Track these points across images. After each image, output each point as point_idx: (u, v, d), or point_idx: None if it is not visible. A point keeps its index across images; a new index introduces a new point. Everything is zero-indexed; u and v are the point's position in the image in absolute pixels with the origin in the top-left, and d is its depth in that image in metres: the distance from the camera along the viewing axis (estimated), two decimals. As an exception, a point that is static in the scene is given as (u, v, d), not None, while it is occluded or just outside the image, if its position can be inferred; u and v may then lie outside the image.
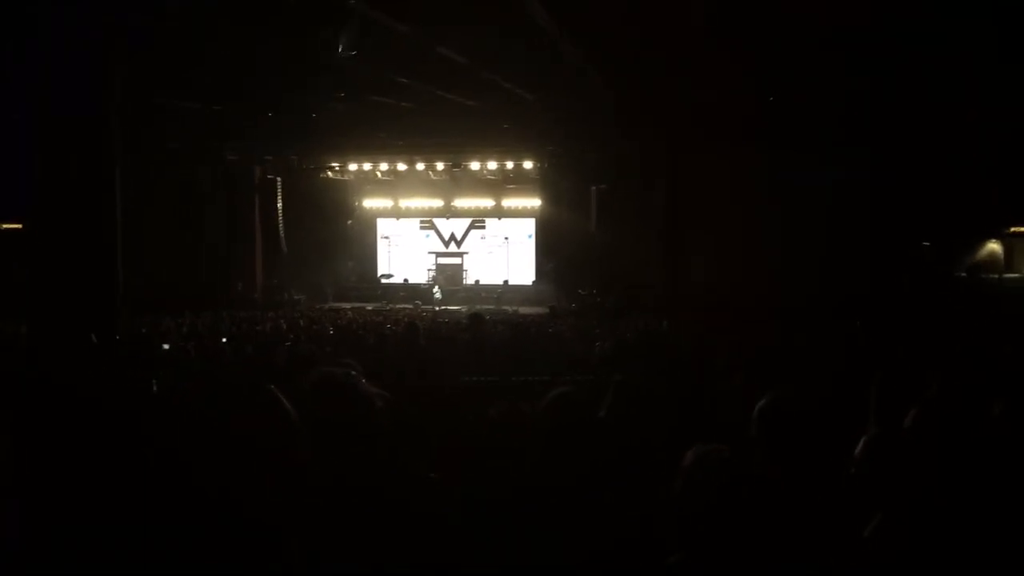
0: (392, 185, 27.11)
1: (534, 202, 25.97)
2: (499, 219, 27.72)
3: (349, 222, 27.83)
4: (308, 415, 2.22)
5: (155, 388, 4.36)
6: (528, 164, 23.35)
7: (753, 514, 1.94)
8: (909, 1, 11.36)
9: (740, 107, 16.74)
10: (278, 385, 2.21)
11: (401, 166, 24.31)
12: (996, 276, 19.65)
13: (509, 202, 27.27)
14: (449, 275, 27.21)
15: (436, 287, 25.35)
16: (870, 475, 2.55)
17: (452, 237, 28.23)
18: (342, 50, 13.06)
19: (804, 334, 9.63)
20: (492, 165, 23.55)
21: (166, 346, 8.98)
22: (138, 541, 1.94)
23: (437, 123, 19.53)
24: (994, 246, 20.48)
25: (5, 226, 22.69)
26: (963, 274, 19.18)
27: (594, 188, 21.88)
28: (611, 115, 17.89)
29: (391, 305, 23.46)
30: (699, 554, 1.97)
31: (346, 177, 26.40)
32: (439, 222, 28.24)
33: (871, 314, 12.35)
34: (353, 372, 2.74)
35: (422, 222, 28.42)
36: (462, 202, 27.65)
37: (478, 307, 20.44)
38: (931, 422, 2.78)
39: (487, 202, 27.46)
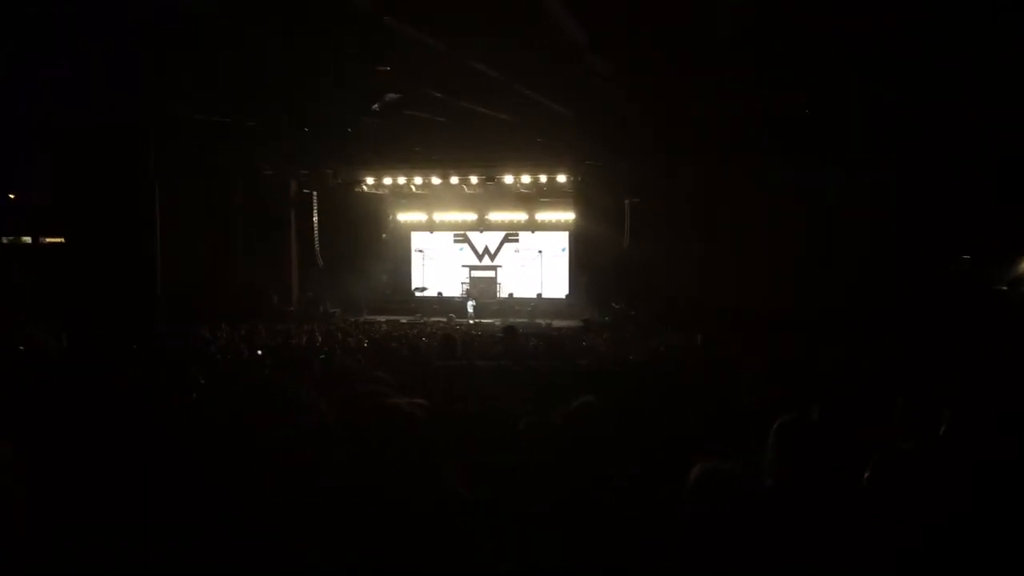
0: (426, 199, 27.27)
1: (568, 215, 25.99)
2: (532, 232, 27.77)
3: (384, 236, 28.04)
4: (344, 425, 2.25)
5: (197, 388, 4.44)
6: (562, 177, 23.39)
7: (757, 530, 1.95)
8: (944, 5, 11.26)
9: (770, 118, 16.67)
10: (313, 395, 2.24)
11: (435, 180, 24.46)
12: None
13: (543, 215, 27.32)
14: (482, 288, 27.28)
15: (471, 300, 25.42)
16: (897, 490, 2.53)
17: (486, 250, 28.32)
18: (377, 66, 13.21)
19: (837, 348, 9.55)
20: (526, 179, 23.63)
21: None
22: (175, 544, 1.99)
23: (471, 137, 19.65)
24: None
25: (48, 240, 23.15)
26: (1003, 288, 18.86)
27: (628, 201, 21.84)
28: (642, 128, 17.89)
29: (425, 318, 23.55)
30: (704, 568, 1.98)
31: (381, 191, 26.61)
32: (473, 235, 28.35)
33: (905, 328, 12.21)
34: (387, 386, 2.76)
35: (456, 235, 28.55)
36: (496, 215, 27.75)
37: (512, 320, 20.47)
38: (964, 437, 2.76)
39: (521, 215, 27.53)
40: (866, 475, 2.51)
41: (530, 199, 26.32)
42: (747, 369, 6.78)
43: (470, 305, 25.10)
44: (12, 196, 23.17)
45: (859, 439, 2.95)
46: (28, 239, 23.73)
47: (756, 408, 4.21)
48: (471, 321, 23.05)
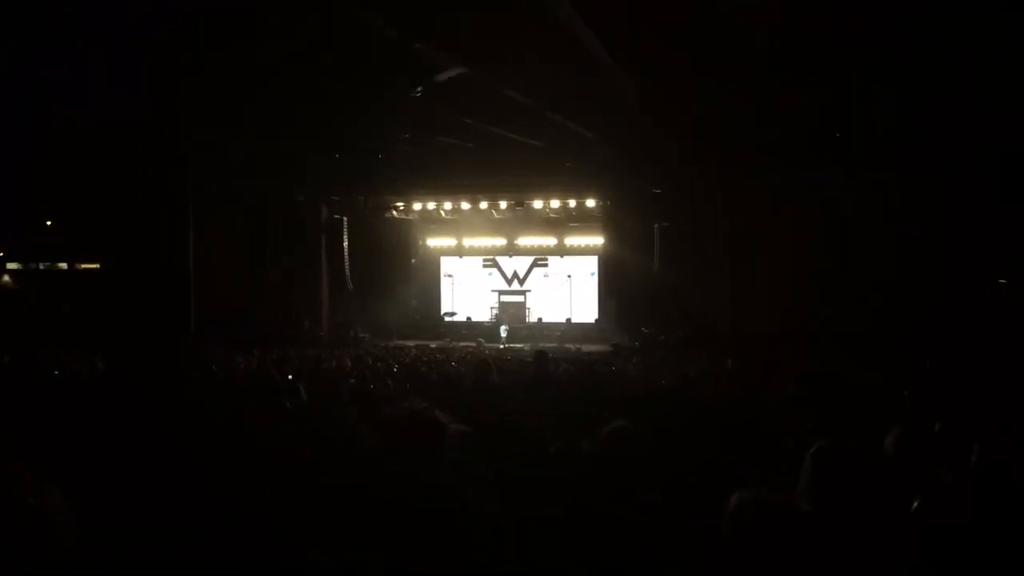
0: (456, 224, 27.41)
1: (597, 240, 25.98)
2: (561, 257, 27.78)
3: (413, 261, 28.19)
4: (389, 445, 2.24)
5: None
6: (591, 202, 23.44)
7: (797, 559, 1.92)
8: (980, 19, 11.17)
9: (800, 138, 16.61)
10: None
11: (465, 205, 24.58)
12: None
13: (572, 240, 27.34)
14: (512, 313, 27.29)
15: (504, 326, 25.42)
16: (943, 522, 2.47)
17: (515, 275, 28.35)
18: (408, 92, 13.34)
19: (872, 371, 9.43)
20: (555, 203, 23.69)
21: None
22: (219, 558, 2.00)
23: (500, 162, 19.76)
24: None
25: (84, 266, 23.52)
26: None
27: (657, 225, 21.80)
28: (672, 153, 17.90)
29: (454, 343, 23.58)
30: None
31: (410, 216, 26.78)
32: (502, 260, 28.41)
33: (941, 350, 12.04)
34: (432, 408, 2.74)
35: (485, 260, 28.62)
36: (525, 240, 27.81)
37: (541, 345, 20.43)
38: (994, 469, 2.71)
39: (550, 240, 27.56)
40: (914, 505, 2.46)
41: (559, 224, 26.38)
42: (779, 393, 6.72)
43: (503, 329, 25.10)
44: (48, 223, 23.61)
45: (901, 463, 2.91)
46: (64, 265, 24.14)
47: (789, 432, 4.17)
48: (501, 346, 23.04)
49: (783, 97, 14.36)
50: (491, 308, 27.81)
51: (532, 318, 27.36)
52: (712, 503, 2.31)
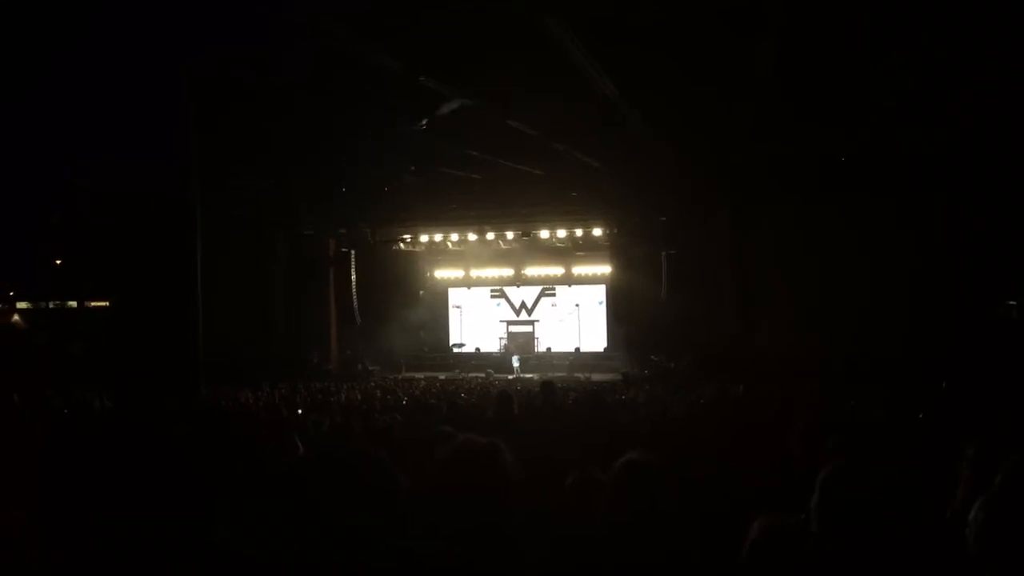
0: (463, 255, 27.46)
1: (604, 269, 25.98)
2: (569, 286, 27.78)
3: (421, 292, 28.19)
4: (440, 482, 2.16)
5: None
6: (598, 231, 23.47)
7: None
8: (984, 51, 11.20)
9: (809, 165, 16.64)
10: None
11: (471, 236, 24.65)
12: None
13: (579, 269, 27.34)
14: (520, 343, 27.25)
15: (515, 356, 25.38)
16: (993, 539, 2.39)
17: (523, 305, 28.34)
18: (415, 124, 13.43)
19: (885, 397, 9.37)
20: (562, 233, 23.74)
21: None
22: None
23: (506, 193, 19.83)
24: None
25: (93, 304, 23.60)
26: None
27: (664, 253, 21.79)
28: (679, 180, 17.93)
29: (463, 374, 23.53)
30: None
31: (417, 248, 26.85)
32: (510, 290, 28.41)
33: (955, 376, 11.94)
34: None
35: (493, 291, 28.63)
36: (532, 270, 27.81)
37: (550, 375, 20.37)
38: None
39: (557, 270, 27.58)
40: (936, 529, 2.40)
41: (566, 253, 26.41)
42: (786, 418, 6.67)
43: (515, 359, 25.07)
44: (59, 262, 23.73)
45: (915, 491, 2.86)
46: (74, 303, 24.23)
47: (801, 457, 4.12)
48: (510, 376, 22.97)
49: (790, 125, 14.41)
50: (500, 339, 27.77)
51: (541, 348, 27.30)
52: (732, 531, 2.27)
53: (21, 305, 24.57)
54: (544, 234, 23.93)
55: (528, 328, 28.01)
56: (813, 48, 11.24)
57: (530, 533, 2.35)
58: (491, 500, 2.15)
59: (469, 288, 28.85)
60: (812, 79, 12.29)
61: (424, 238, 25.55)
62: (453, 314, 28.95)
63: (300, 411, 10.93)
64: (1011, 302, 18.34)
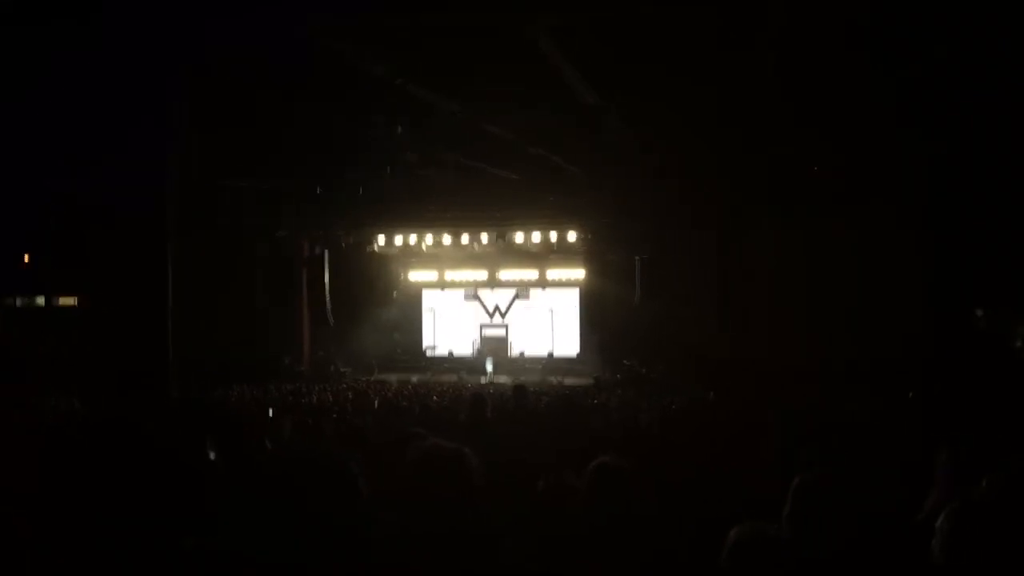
0: (437, 257, 27.37)
1: (578, 273, 26.02)
2: (543, 289, 27.77)
3: (395, 294, 28.07)
4: (408, 485, 2.17)
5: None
6: (572, 235, 23.51)
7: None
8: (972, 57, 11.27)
9: (795, 170, 16.74)
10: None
11: (446, 239, 24.60)
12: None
13: (553, 273, 27.33)
14: (494, 347, 27.20)
15: (489, 359, 25.37)
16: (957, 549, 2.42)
17: (496, 308, 28.31)
18: (390, 127, 13.40)
19: (855, 403, 9.47)
20: (536, 237, 23.76)
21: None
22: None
23: (482, 196, 19.83)
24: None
25: (62, 301, 23.31)
26: (1020, 344, 18.60)
27: (638, 258, 21.87)
28: (657, 184, 17.98)
29: (436, 377, 23.49)
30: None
31: (391, 250, 26.75)
32: (484, 293, 28.36)
33: (926, 383, 12.07)
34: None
35: (467, 293, 28.57)
36: (506, 274, 27.77)
37: (523, 378, 20.39)
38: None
39: (531, 273, 27.57)
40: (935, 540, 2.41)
41: (540, 257, 26.42)
42: (759, 424, 6.72)
43: (489, 362, 25.06)
44: (27, 257, 23.41)
45: (887, 497, 2.90)
46: (41, 300, 23.91)
47: (773, 464, 4.16)
48: (483, 380, 22.96)
49: (774, 132, 14.49)
50: (472, 342, 27.72)
51: (514, 351, 27.28)
52: (707, 538, 2.29)
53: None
54: (519, 238, 23.95)
55: (501, 332, 27.95)
56: (807, 53, 11.26)
57: (501, 536, 2.36)
58: (457, 504, 2.17)
59: (443, 290, 28.76)
60: (804, 85, 12.33)
61: (398, 240, 25.46)
62: (427, 316, 28.86)
63: (271, 412, 10.88)
64: (978, 312, 18.55)
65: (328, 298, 24.80)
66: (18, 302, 24.21)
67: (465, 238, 24.40)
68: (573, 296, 27.19)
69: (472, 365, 25.49)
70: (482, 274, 27.89)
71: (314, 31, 10.24)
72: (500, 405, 10.62)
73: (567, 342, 27.00)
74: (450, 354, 27.29)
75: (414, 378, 22.75)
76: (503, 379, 22.60)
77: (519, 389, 9.31)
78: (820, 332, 17.77)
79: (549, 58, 10.77)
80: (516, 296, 28.03)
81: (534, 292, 27.88)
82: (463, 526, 2.16)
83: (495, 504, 2.67)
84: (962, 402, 9.13)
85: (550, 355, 26.48)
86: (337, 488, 1.98)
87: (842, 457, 4.02)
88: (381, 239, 25.60)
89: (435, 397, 15.03)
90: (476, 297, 28.41)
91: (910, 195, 16.76)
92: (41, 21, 10.47)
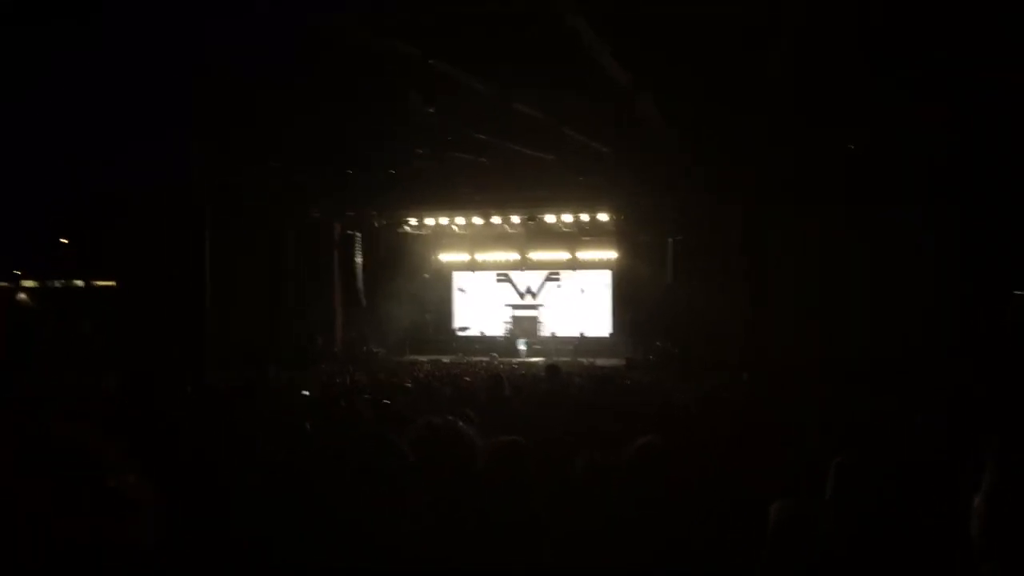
0: (468, 239, 27.46)
1: (610, 254, 25.94)
2: (575, 271, 27.74)
3: (426, 275, 28.18)
4: (415, 458, 2.20)
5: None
6: (603, 216, 23.43)
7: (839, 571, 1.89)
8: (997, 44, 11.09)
9: (820, 156, 16.54)
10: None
11: (477, 220, 24.62)
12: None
13: (584, 254, 27.29)
14: (525, 327, 27.24)
15: (521, 340, 25.42)
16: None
17: (528, 289, 28.32)
18: (423, 109, 13.39)
19: (895, 389, 9.36)
20: (568, 218, 23.70)
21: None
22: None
23: (513, 177, 19.76)
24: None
25: (100, 283, 23.63)
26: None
27: (671, 239, 21.73)
28: (687, 167, 17.84)
29: (467, 357, 23.55)
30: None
31: (423, 231, 26.85)
32: (515, 275, 28.39)
33: (964, 370, 11.91)
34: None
35: (498, 275, 28.61)
36: (538, 255, 27.78)
37: (555, 359, 20.39)
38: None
39: (563, 254, 27.54)
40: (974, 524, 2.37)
41: (572, 238, 26.38)
42: (796, 409, 6.67)
43: (521, 343, 25.12)
44: (65, 240, 23.76)
45: (928, 479, 2.86)
46: (80, 283, 24.27)
47: (813, 447, 4.12)
48: (515, 361, 22.99)
49: (803, 120, 14.33)
50: (504, 323, 27.77)
51: (545, 332, 27.30)
52: (744, 516, 2.28)
53: (27, 284, 24.61)
54: (550, 219, 23.91)
55: (533, 312, 27.98)
56: (831, 48, 11.16)
57: (543, 519, 2.37)
58: (459, 472, 2.19)
59: (474, 272, 28.83)
60: (829, 80, 12.22)
61: (430, 221, 25.55)
62: (458, 297, 28.96)
63: (305, 393, 10.97)
64: (1017, 292, 18.21)
65: (360, 279, 24.92)
66: (57, 283, 24.59)
67: (496, 219, 24.41)
68: (605, 277, 27.12)
69: (503, 346, 25.54)
70: (513, 255, 27.90)
71: (348, 20, 10.27)
72: (532, 385, 10.64)
73: (599, 323, 26.96)
74: (482, 335, 27.38)
75: (445, 359, 22.80)
76: (534, 360, 22.62)
77: (552, 369, 9.33)
78: (858, 322, 17.53)
79: (582, 36, 10.72)
80: (548, 277, 28.03)
81: (565, 273, 27.86)
82: (469, 495, 2.19)
83: (534, 484, 2.68)
84: (997, 392, 9.00)
85: (582, 336, 26.46)
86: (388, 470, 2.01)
87: (877, 442, 3.98)
88: (413, 220, 25.70)
89: (467, 378, 15.05)
90: (507, 278, 28.44)
91: (952, 191, 16.45)
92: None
